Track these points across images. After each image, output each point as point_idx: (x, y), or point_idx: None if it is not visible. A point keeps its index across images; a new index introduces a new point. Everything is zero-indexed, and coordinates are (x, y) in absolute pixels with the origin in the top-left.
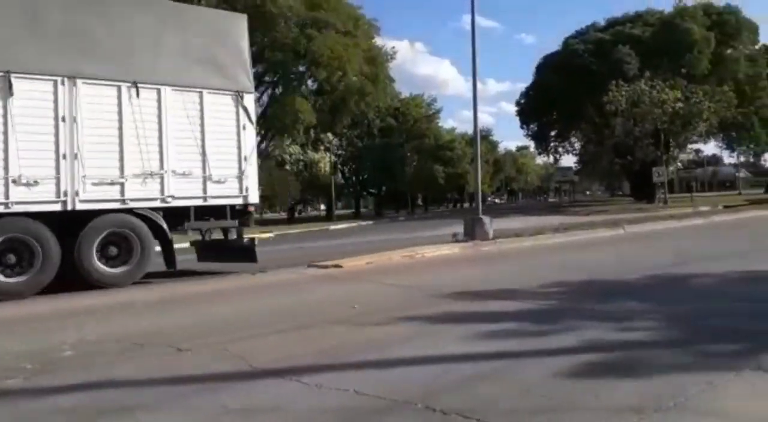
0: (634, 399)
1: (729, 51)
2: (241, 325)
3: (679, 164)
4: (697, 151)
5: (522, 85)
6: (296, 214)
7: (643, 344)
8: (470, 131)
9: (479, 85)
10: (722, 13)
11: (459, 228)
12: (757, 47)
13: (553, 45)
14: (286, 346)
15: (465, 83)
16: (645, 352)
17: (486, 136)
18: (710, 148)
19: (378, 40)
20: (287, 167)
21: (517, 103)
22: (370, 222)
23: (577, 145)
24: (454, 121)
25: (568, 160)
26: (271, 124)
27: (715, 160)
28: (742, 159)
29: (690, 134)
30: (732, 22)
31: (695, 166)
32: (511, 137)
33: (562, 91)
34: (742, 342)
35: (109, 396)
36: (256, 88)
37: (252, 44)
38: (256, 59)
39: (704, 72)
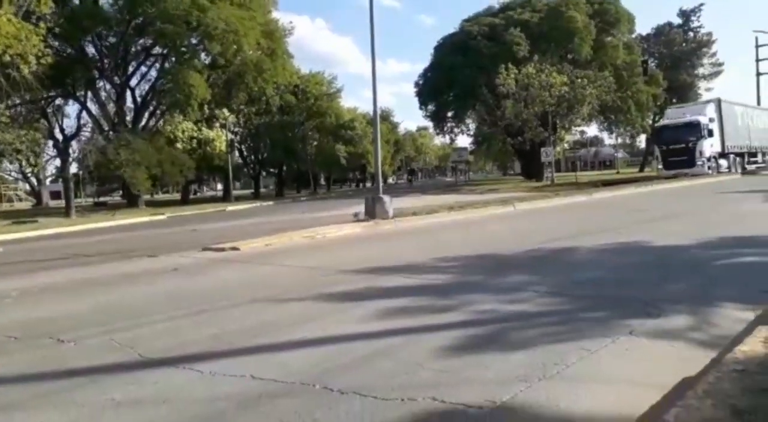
0: (521, 370)
1: (609, 39)
2: (128, 313)
3: (566, 145)
4: (582, 132)
5: (421, 66)
6: (191, 195)
7: (530, 315)
8: (371, 111)
9: (379, 65)
10: (603, 3)
11: (360, 208)
12: (633, 36)
13: (451, 27)
14: (179, 333)
15: (366, 62)
16: (531, 323)
17: (386, 116)
18: (592, 129)
19: (276, 14)
20: (179, 145)
21: (416, 84)
22: (271, 203)
23: (472, 126)
24: (357, 100)
25: (464, 141)
26: (161, 99)
27: (597, 140)
28: (620, 140)
29: (575, 117)
30: (612, 12)
31: (579, 146)
32: (412, 117)
33: (457, 72)
34: (617, 309)
35: None
36: (145, 60)
37: (138, 15)
38: (144, 30)
39: (587, 58)
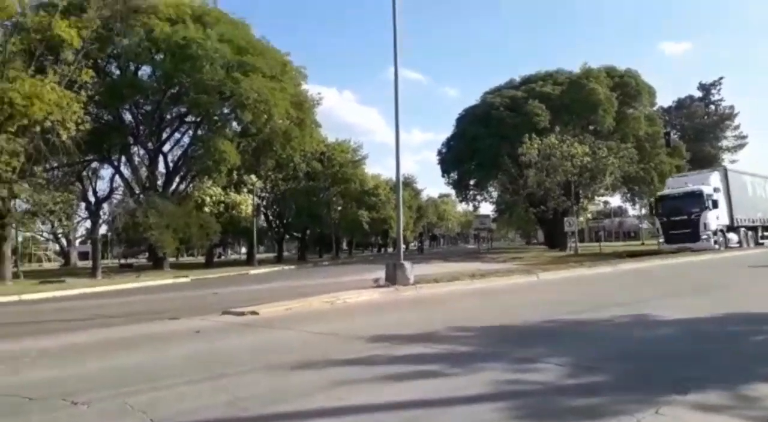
0: None
1: (630, 111)
2: (145, 376)
3: (589, 215)
4: (605, 203)
5: (444, 136)
6: (215, 258)
7: (552, 390)
8: (395, 177)
9: (403, 135)
10: (623, 76)
11: (381, 273)
12: (655, 109)
13: (473, 99)
14: (194, 398)
15: (391, 132)
16: (553, 398)
17: (409, 182)
18: (616, 200)
19: (306, 87)
20: (206, 209)
21: (439, 153)
22: (293, 267)
23: (495, 194)
24: (381, 168)
25: (486, 208)
26: (192, 164)
27: (620, 211)
28: (644, 211)
29: (597, 186)
30: (632, 85)
31: (603, 216)
32: (434, 185)
33: (480, 142)
34: (644, 385)
35: None
36: (178, 127)
37: (174, 85)
38: (178, 99)
39: (609, 129)
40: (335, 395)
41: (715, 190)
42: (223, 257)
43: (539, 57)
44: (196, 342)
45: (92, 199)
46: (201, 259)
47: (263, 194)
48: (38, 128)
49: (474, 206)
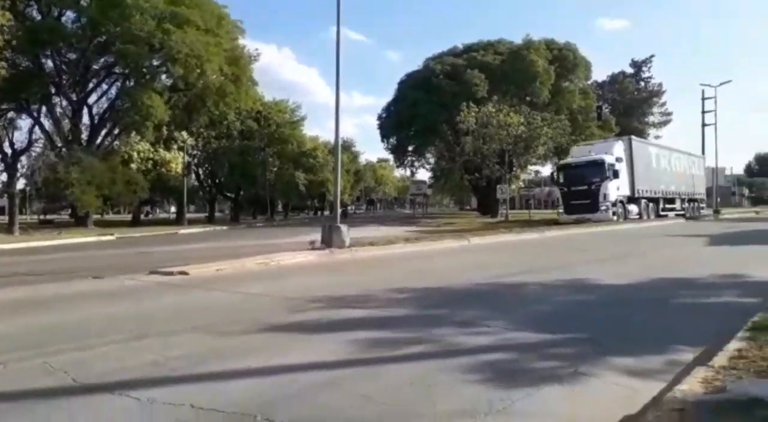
0: (468, 404)
1: (566, 84)
2: (67, 336)
3: (521, 183)
4: (536, 172)
5: (385, 100)
6: (143, 216)
7: (481, 349)
8: (333, 140)
9: (344, 97)
10: (562, 49)
11: (317, 235)
12: (589, 82)
13: (416, 64)
14: (118, 358)
15: (331, 93)
16: (482, 358)
17: (348, 146)
18: (547, 169)
19: (243, 42)
20: (134, 165)
21: (379, 117)
22: (225, 228)
23: (432, 161)
24: (320, 130)
25: (424, 174)
26: (119, 119)
27: (550, 180)
28: None
29: (531, 156)
30: (570, 58)
31: (534, 185)
32: (373, 149)
33: (419, 107)
34: (564, 346)
35: None
36: (105, 78)
37: (101, 33)
38: (105, 49)
39: (545, 101)
40: (265, 355)
41: (618, 159)
42: (151, 216)
43: (483, 25)
44: (122, 302)
45: (8, 151)
46: (127, 217)
47: (195, 152)
48: None
49: (411, 172)
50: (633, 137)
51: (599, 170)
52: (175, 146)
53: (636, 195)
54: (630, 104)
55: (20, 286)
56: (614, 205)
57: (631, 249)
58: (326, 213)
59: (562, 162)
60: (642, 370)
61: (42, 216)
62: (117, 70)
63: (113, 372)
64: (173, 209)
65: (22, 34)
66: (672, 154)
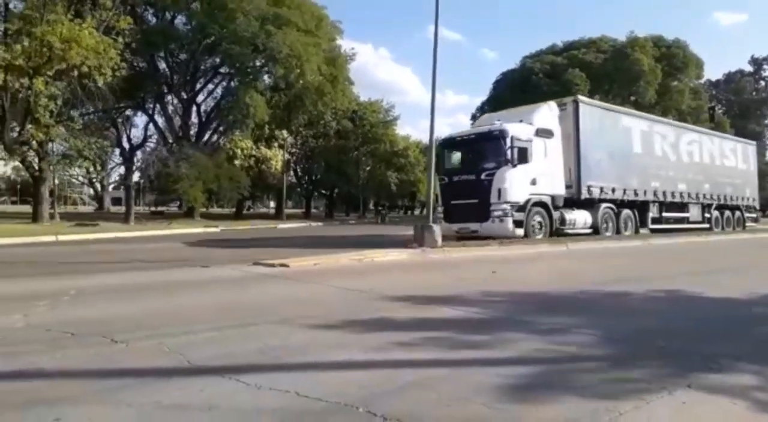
0: (570, 413)
1: (675, 83)
2: (180, 320)
3: None
4: None
5: (480, 99)
6: (244, 210)
7: (581, 358)
8: (426, 140)
9: (438, 96)
10: (671, 47)
11: (409, 233)
12: (701, 81)
13: (512, 63)
14: (225, 344)
15: (425, 92)
16: (582, 367)
17: None
18: None
19: (341, 42)
20: (237, 162)
21: (473, 117)
22: (320, 224)
23: None
24: (412, 129)
25: None
26: (223, 117)
27: None
28: None
29: None
30: (679, 56)
31: None
32: None
33: (516, 107)
34: (672, 360)
35: (33, 387)
36: (212, 78)
37: (209, 35)
38: (212, 50)
39: (651, 101)
40: (362, 349)
41: (542, 133)
42: (251, 210)
43: (584, 22)
44: (227, 291)
45: (126, 146)
46: (230, 211)
47: (293, 150)
48: (75, 73)
49: None
50: (581, 98)
51: (494, 150)
52: (275, 144)
53: (586, 195)
54: (747, 105)
55: (137, 271)
56: (522, 209)
57: (742, 261)
58: (416, 212)
59: (444, 137)
60: (763, 391)
61: (153, 208)
62: (223, 70)
63: (222, 357)
64: (272, 204)
65: (140, 37)
66: (685, 134)
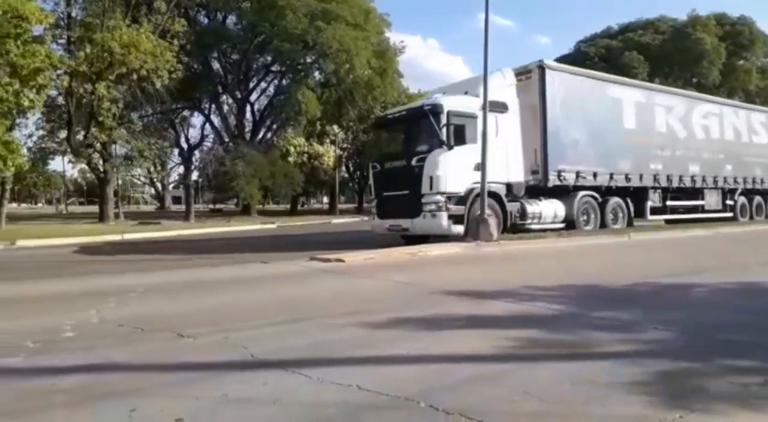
0: (638, 411)
1: (741, 62)
2: (242, 315)
3: None
4: None
5: None
6: (299, 206)
7: (641, 355)
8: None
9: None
10: (735, 24)
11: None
12: None
13: (566, 48)
14: (287, 338)
15: None
16: (644, 364)
17: None
18: None
19: (389, 34)
20: (291, 159)
21: None
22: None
23: None
24: None
25: None
26: (277, 114)
27: None
28: None
29: None
30: (745, 33)
31: None
32: None
33: None
34: (748, 360)
35: (107, 379)
36: (264, 76)
37: (260, 34)
38: (264, 49)
39: (715, 82)
40: (419, 344)
41: (497, 107)
42: (306, 206)
43: (641, 3)
44: (285, 286)
45: (184, 146)
46: (285, 206)
47: (345, 145)
48: (134, 76)
49: None
50: (549, 62)
51: (427, 129)
52: (327, 140)
53: (556, 181)
54: None
55: (200, 268)
56: (462, 201)
57: None
58: None
59: (379, 115)
60: None
61: (212, 206)
62: (274, 68)
63: (283, 351)
64: (325, 199)
65: (194, 39)
66: (699, 106)
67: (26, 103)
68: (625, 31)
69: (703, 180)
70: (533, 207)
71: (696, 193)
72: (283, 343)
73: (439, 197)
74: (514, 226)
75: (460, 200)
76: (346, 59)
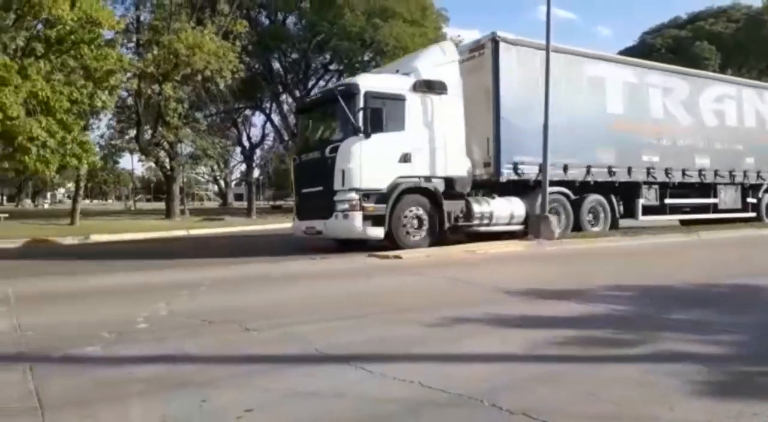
0: (708, 415)
1: None
2: (303, 309)
3: None
4: None
5: None
6: None
7: (712, 358)
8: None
9: None
10: None
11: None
12: None
13: (630, 40)
14: (349, 333)
15: None
16: (714, 366)
17: None
18: None
19: (447, 30)
20: None
21: None
22: None
23: None
24: None
25: None
26: None
27: None
28: None
29: None
30: None
31: None
32: None
33: None
34: None
35: (179, 370)
36: (323, 75)
37: (319, 33)
38: (322, 48)
39: None
40: (481, 342)
41: (423, 87)
42: None
43: None
44: (344, 282)
45: (246, 145)
46: None
47: None
48: (199, 77)
49: None
50: (504, 35)
51: (342, 115)
52: None
53: (511, 175)
54: None
55: (264, 263)
56: (384, 199)
57: None
58: None
59: (300, 104)
60: None
61: (272, 202)
62: (333, 67)
63: (346, 345)
64: None
65: (255, 40)
66: (710, 87)
67: (99, 104)
68: (695, 20)
69: (716, 174)
70: (482, 206)
71: (706, 189)
72: (346, 338)
73: (352, 194)
74: (456, 229)
75: (381, 198)
76: (403, 55)
